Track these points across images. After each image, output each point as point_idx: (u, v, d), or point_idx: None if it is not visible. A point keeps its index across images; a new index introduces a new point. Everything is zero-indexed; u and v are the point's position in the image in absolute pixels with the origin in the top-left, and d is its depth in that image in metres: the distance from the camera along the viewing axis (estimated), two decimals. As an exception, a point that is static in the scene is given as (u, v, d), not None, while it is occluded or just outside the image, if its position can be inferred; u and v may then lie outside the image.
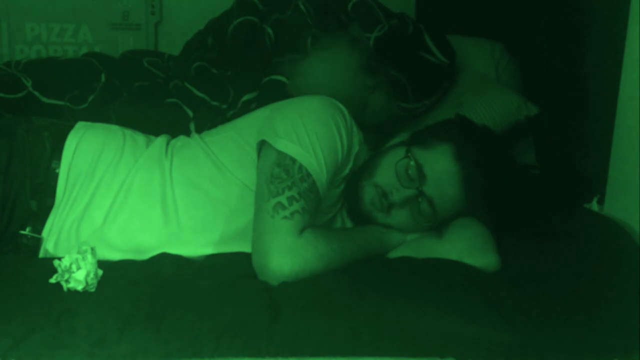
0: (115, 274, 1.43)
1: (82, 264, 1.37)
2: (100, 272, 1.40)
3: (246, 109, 1.91)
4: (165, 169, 1.64)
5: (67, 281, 1.37)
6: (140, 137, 1.73)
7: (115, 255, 1.56)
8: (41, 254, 1.59)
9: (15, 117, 1.85)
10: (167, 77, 2.05)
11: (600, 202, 1.87)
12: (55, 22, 2.55)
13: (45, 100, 1.95)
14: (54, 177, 1.61)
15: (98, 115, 1.91)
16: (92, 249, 1.40)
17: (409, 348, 1.26)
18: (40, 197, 1.60)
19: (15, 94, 1.95)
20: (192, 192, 1.62)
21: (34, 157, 1.62)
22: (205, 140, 1.72)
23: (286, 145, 1.54)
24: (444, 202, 1.58)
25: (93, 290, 1.38)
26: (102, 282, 1.39)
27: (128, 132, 1.74)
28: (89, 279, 1.37)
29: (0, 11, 2.54)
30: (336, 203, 1.69)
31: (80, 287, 1.37)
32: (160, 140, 1.73)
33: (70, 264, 1.37)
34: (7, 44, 2.54)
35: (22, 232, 1.58)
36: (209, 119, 1.92)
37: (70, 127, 1.70)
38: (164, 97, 1.95)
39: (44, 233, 1.59)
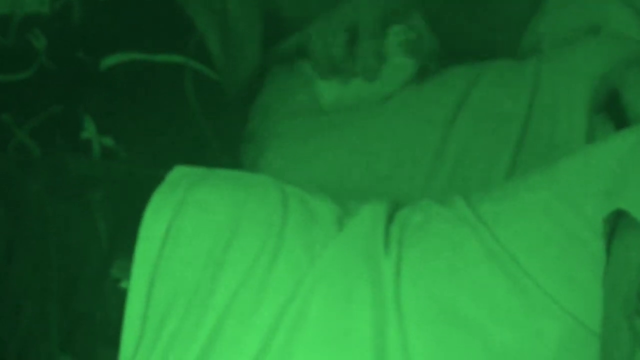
0: None
1: None
2: None
3: None
4: (385, 280, 0.78)
5: None
6: (320, 204, 0.85)
7: None
8: None
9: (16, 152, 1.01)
10: None
11: None
12: None
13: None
14: (119, 300, 0.80)
15: None
16: None
17: None
18: (82, 345, 0.80)
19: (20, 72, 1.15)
20: (450, 333, 0.78)
21: (71, 253, 0.81)
22: (480, 211, 0.83)
23: None
24: None
25: None
26: None
27: (291, 190, 0.87)
28: None
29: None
30: None
31: None
32: (372, 211, 0.84)
33: None
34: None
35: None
36: None
37: (153, 179, 0.84)
38: None
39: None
